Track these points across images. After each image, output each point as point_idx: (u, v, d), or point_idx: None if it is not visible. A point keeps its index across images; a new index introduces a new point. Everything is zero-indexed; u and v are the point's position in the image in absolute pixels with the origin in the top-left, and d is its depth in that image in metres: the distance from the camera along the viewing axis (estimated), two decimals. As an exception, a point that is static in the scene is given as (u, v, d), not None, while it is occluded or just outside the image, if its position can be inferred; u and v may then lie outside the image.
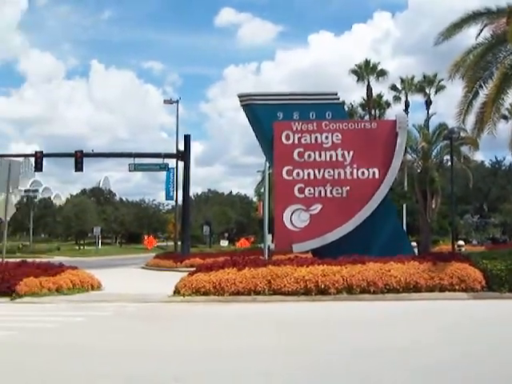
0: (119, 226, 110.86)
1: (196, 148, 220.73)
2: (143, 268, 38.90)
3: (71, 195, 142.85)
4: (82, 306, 15.85)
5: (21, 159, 29.17)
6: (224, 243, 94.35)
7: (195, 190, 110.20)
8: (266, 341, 10.16)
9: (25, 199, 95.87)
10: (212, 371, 7.73)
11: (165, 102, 51.86)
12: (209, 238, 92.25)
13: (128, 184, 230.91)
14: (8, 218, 20.03)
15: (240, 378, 7.39)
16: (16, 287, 17.39)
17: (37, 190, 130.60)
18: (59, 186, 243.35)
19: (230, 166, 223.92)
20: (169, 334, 11.20)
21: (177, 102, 50.47)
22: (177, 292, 17.22)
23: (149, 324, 12.78)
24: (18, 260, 21.48)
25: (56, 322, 12.68)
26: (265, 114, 21.55)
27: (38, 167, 49.68)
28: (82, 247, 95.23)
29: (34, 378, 7.30)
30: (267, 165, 27.92)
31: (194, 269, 19.62)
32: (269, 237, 29.75)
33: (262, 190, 62.97)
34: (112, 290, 19.48)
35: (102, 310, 15.11)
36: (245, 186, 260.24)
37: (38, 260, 23.89)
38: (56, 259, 37.93)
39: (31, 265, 20.06)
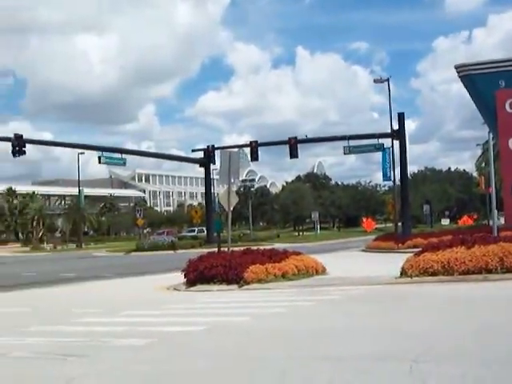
0: (336, 209, 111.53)
1: (409, 125, 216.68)
2: (363, 251, 38.64)
3: (286, 182, 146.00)
4: (308, 291, 15.84)
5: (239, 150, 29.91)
6: (445, 222, 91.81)
7: (412, 168, 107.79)
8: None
9: (242, 189, 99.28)
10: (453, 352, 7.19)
11: (375, 81, 51.10)
12: (429, 218, 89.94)
13: (342, 167, 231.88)
14: (231, 208, 20.52)
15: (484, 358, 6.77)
16: (243, 274, 17.73)
17: (253, 180, 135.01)
18: (274, 174, 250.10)
19: (446, 141, 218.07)
20: (401, 316, 10.74)
21: (387, 80, 49.64)
22: (403, 273, 16.69)
23: (380, 306, 12.42)
24: (241, 248, 21.99)
25: (285, 306, 12.72)
26: (485, 83, 20.38)
27: (254, 156, 51.11)
28: (300, 233, 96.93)
29: (287, 361, 7.20)
30: (491, 136, 26.44)
31: (418, 250, 18.98)
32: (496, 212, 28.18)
33: (483, 165, 60.32)
34: (336, 274, 19.36)
35: (328, 293, 14.98)
36: (463, 161, 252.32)
37: (261, 248, 24.36)
38: (277, 246, 38.68)
39: (256, 252, 20.42)
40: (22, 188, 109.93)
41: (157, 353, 8.24)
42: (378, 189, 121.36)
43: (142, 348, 8.63)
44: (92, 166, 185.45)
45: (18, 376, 7.06)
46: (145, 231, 78.94)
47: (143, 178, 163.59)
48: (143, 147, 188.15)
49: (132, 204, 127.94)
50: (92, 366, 7.52)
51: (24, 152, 45.86)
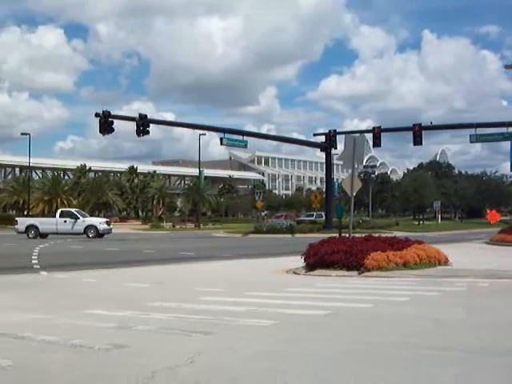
0: (459, 200, 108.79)
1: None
2: (487, 243, 37.40)
3: (408, 170, 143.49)
4: (431, 281, 15.45)
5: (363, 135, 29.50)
6: None
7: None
8: None
9: (362, 175, 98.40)
10: None
11: (506, 67, 49.35)
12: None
13: (466, 156, 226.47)
14: (354, 193, 20.31)
15: None
16: (364, 261, 17.51)
17: (374, 166, 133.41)
18: (394, 160, 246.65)
19: None
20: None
21: (521, 65, 47.75)
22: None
23: (507, 300, 11.96)
24: (361, 235, 21.74)
25: (408, 295, 12.44)
26: None
27: (377, 142, 50.45)
28: (421, 222, 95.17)
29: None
30: None
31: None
32: None
33: None
34: (459, 266, 18.83)
35: (452, 285, 14.56)
36: None
37: (383, 235, 24.01)
38: (396, 234, 38.07)
39: (377, 239, 20.14)
40: (143, 167, 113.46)
41: (281, 334, 8.23)
42: (505, 180, 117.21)
43: (266, 329, 8.64)
44: (212, 147, 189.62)
45: (144, 348, 7.20)
46: (263, 214, 79.60)
47: (262, 161, 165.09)
48: (263, 130, 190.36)
49: (250, 186, 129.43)
50: (217, 343, 7.57)
51: (148, 132, 47.09)
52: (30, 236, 46.36)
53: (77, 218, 47.67)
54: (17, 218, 51.75)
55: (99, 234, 46.20)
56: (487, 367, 6.28)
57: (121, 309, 10.68)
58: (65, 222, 47.25)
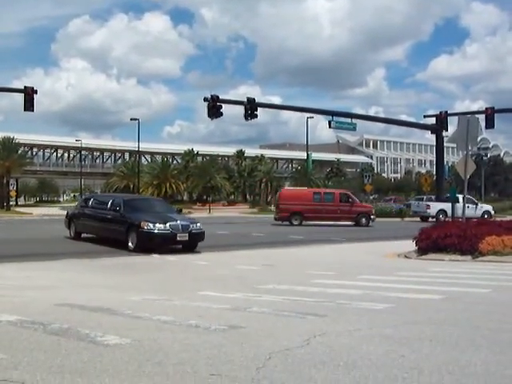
0: None
1: None
2: None
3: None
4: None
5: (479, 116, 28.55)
6: None
7: None
8: None
9: (474, 158, 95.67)
10: None
11: None
12: None
13: None
14: (468, 176, 19.78)
15: None
16: (478, 245, 17.07)
17: (487, 148, 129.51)
18: (508, 142, 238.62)
19: None
20: None
21: None
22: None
23: None
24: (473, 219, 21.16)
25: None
26: None
27: (490, 124, 48.81)
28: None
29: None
30: None
31: None
32: None
33: None
34: None
35: None
36: None
37: (497, 219, 23.32)
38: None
39: (492, 223, 19.59)
40: (250, 151, 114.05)
41: (397, 317, 8.14)
42: None
43: (381, 312, 8.57)
44: (319, 130, 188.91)
45: (259, 329, 7.25)
46: (371, 197, 78.77)
47: (371, 144, 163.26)
48: (371, 112, 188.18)
49: (359, 170, 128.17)
50: (332, 325, 7.54)
51: (256, 115, 47.28)
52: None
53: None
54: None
55: None
56: None
57: (234, 290, 10.81)
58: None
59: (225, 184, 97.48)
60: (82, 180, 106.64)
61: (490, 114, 48.37)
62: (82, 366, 5.59)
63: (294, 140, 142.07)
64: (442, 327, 7.46)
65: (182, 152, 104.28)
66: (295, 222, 40.69)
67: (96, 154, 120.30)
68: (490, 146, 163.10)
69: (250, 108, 46.99)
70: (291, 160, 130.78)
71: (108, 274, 14.21)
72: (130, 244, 20.67)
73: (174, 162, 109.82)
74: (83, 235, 24.90)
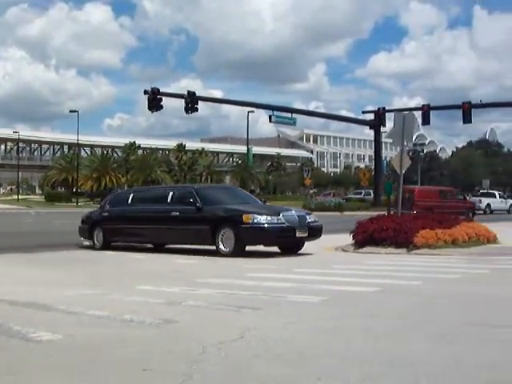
0: (509, 178, 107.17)
1: None
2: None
3: (457, 148, 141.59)
4: (481, 259, 15.31)
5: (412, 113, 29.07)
6: None
7: None
8: None
9: (411, 153, 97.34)
10: None
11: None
12: None
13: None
14: (403, 171, 20.10)
15: None
16: (413, 239, 17.38)
17: (423, 144, 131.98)
18: (443, 138, 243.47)
19: None
20: None
21: None
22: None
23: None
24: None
25: (458, 273, 12.40)
26: None
27: (426, 120, 49.87)
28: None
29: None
30: None
31: None
32: None
33: None
34: (509, 244, 18.55)
35: (503, 263, 14.44)
36: None
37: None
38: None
39: (426, 217, 19.95)
40: (191, 144, 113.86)
41: (331, 310, 8.29)
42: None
43: (315, 305, 8.68)
44: (260, 124, 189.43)
45: (194, 324, 7.29)
46: (311, 191, 79.42)
47: (311, 139, 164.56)
48: (311, 107, 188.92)
49: (299, 164, 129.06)
50: (266, 319, 7.62)
51: (196, 109, 47.26)
52: None
53: None
54: None
55: None
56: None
57: (170, 285, 10.79)
58: None
59: (165, 177, 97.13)
60: (20, 173, 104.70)
61: (426, 111, 49.39)
62: (12, 363, 5.52)
63: (236, 134, 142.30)
64: (376, 319, 7.59)
65: (123, 145, 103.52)
66: None
67: (34, 146, 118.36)
68: (427, 142, 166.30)
69: (191, 101, 46.93)
70: (232, 154, 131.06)
71: (47, 268, 13.99)
72: (221, 247, 16.08)
73: (115, 155, 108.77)
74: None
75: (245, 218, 15.74)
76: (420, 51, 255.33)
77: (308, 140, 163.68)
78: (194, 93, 47.55)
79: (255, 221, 15.69)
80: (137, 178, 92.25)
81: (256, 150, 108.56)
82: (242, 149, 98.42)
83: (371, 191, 62.76)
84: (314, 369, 5.32)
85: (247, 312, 8.01)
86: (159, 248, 18.98)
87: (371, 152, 67.39)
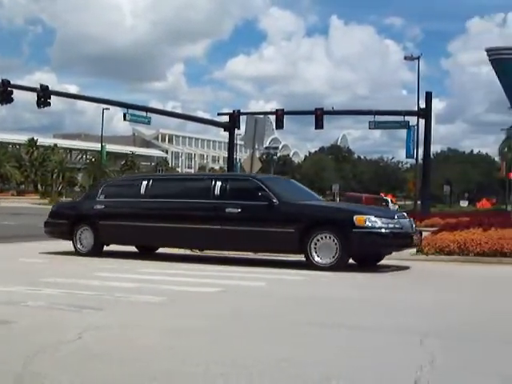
0: (357, 183, 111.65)
1: (436, 105, 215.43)
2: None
3: (310, 152, 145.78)
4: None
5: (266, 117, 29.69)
6: (464, 203, 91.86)
7: (435, 148, 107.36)
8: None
9: (264, 156, 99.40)
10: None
11: (405, 58, 51.21)
12: (449, 198, 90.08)
13: (366, 142, 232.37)
14: (254, 173, 20.57)
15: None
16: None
17: (277, 148, 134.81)
18: (297, 143, 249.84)
19: (471, 123, 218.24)
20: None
21: (418, 58, 49.88)
22: (420, 250, 16.66)
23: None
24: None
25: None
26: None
27: (279, 125, 50.90)
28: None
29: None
30: (517, 121, 26.25)
31: (435, 229, 19.06)
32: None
33: (506, 150, 59.84)
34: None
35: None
36: (487, 144, 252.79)
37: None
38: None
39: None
40: (44, 140, 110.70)
41: (173, 310, 8.44)
42: (400, 166, 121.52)
43: (157, 305, 8.79)
44: (116, 122, 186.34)
45: (31, 324, 7.18)
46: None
47: (166, 139, 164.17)
48: (168, 107, 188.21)
49: (153, 164, 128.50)
50: (107, 319, 7.63)
51: (49, 104, 45.90)
52: None
53: None
54: None
55: None
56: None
57: (12, 284, 10.52)
58: None
59: (15, 173, 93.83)
60: None
61: (279, 115, 50.37)
62: None
63: (91, 130, 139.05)
64: (218, 319, 7.75)
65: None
66: None
67: None
68: (281, 145, 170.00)
69: (44, 95, 45.52)
70: (86, 151, 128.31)
71: None
72: (316, 257, 12.64)
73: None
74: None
75: (357, 220, 12.60)
76: (278, 56, 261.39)
77: (164, 140, 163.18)
78: (47, 87, 46.13)
79: (370, 224, 12.59)
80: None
81: (110, 148, 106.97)
82: (96, 146, 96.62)
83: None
84: (152, 368, 5.40)
85: (89, 312, 7.96)
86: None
87: (226, 154, 68.11)
